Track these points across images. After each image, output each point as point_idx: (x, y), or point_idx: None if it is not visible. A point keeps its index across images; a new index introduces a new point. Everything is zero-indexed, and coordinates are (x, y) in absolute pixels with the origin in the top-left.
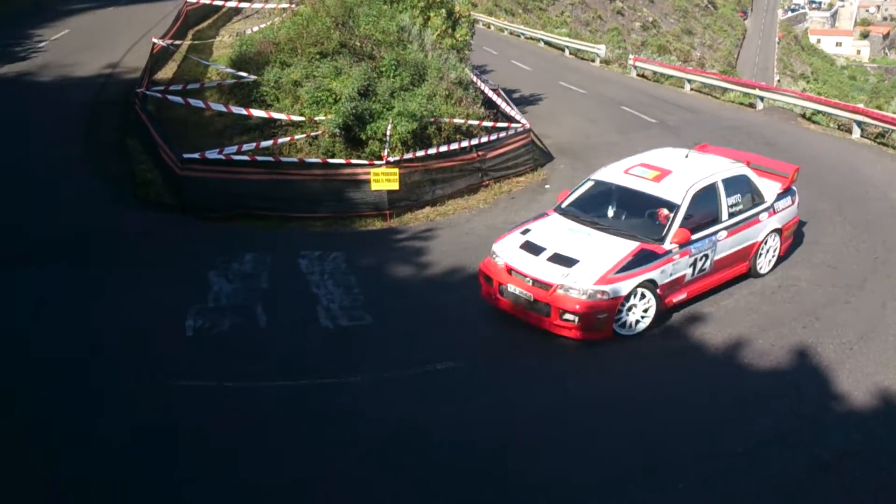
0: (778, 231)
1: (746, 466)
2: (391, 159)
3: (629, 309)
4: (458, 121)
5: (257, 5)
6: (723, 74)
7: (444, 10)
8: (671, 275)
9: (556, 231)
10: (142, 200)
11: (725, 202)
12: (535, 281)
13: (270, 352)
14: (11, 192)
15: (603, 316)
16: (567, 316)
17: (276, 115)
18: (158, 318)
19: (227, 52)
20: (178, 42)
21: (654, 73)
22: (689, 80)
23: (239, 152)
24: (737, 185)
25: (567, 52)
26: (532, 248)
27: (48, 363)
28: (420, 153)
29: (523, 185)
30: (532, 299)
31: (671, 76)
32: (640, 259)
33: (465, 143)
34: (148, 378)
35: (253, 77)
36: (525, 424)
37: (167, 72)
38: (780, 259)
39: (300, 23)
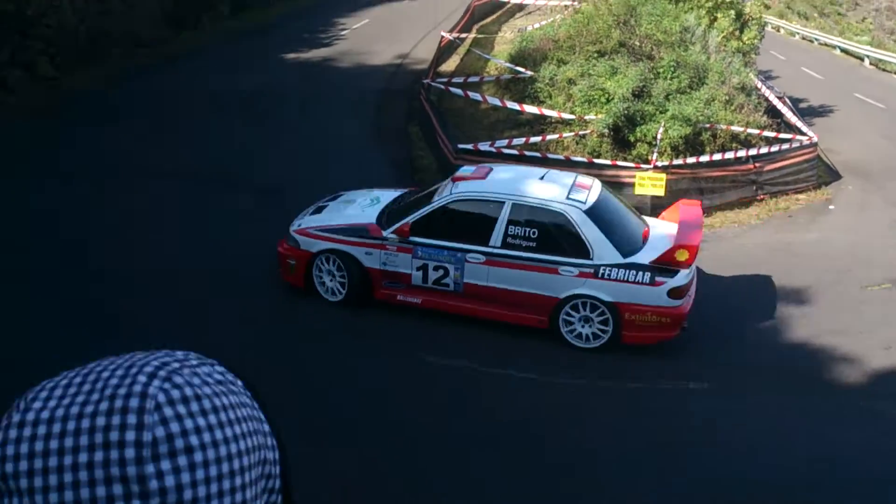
0: (610, 307)
1: None
2: (659, 164)
3: (329, 274)
4: (736, 128)
5: (540, 2)
6: None
7: (732, 12)
8: (385, 264)
9: (368, 195)
10: (418, 184)
11: (504, 227)
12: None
13: (524, 345)
14: (308, 165)
15: (292, 262)
16: None
17: (547, 112)
18: None
19: (507, 48)
20: (463, 36)
21: None
22: None
23: (509, 146)
24: (545, 219)
25: (867, 61)
26: (332, 199)
27: (310, 329)
28: (691, 160)
29: (803, 203)
30: None
31: None
32: (355, 232)
33: (741, 153)
34: (404, 352)
35: (529, 73)
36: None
37: (450, 64)
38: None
39: (581, 21)
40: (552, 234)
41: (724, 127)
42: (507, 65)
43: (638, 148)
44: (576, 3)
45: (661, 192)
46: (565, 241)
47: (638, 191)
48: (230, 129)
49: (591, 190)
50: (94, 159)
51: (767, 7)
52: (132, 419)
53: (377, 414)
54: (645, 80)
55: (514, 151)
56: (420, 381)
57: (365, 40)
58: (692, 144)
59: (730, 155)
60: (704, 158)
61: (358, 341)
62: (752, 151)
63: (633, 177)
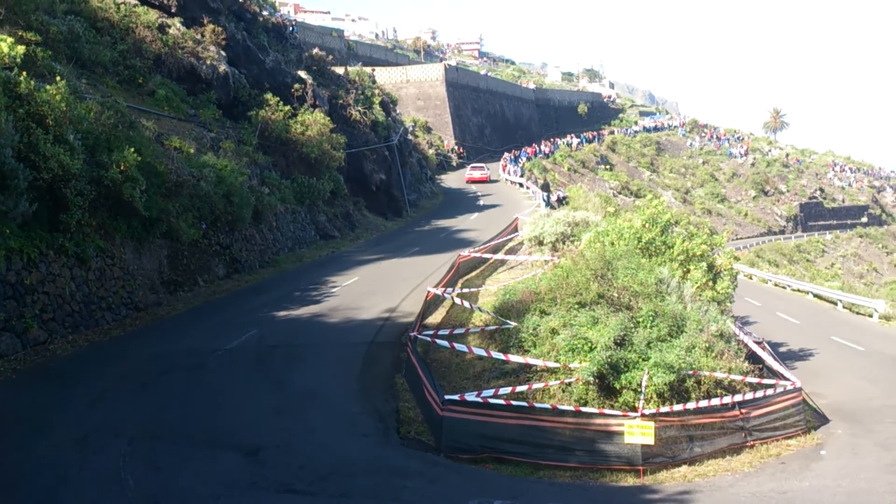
0: None
1: None
2: (646, 411)
3: None
4: (719, 375)
5: (521, 258)
6: None
7: (704, 264)
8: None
9: None
10: (403, 437)
11: None
12: None
13: None
14: (292, 416)
15: None
16: None
17: (532, 361)
18: None
19: (491, 300)
20: (449, 290)
21: None
22: None
23: (495, 395)
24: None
25: (840, 305)
26: None
27: None
28: (677, 407)
29: (794, 449)
30: None
31: None
32: None
33: (726, 399)
34: None
35: (513, 324)
36: None
37: (437, 317)
38: None
39: (560, 275)
40: None
41: (707, 374)
42: (492, 316)
43: (624, 395)
44: (555, 258)
45: (650, 439)
46: None
47: (628, 439)
48: (217, 386)
49: None
50: (74, 422)
51: (737, 259)
52: None
53: None
54: (625, 329)
55: (501, 401)
56: None
57: (354, 296)
58: (677, 391)
59: (715, 401)
60: (691, 405)
61: None
62: (738, 397)
63: (622, 425)
